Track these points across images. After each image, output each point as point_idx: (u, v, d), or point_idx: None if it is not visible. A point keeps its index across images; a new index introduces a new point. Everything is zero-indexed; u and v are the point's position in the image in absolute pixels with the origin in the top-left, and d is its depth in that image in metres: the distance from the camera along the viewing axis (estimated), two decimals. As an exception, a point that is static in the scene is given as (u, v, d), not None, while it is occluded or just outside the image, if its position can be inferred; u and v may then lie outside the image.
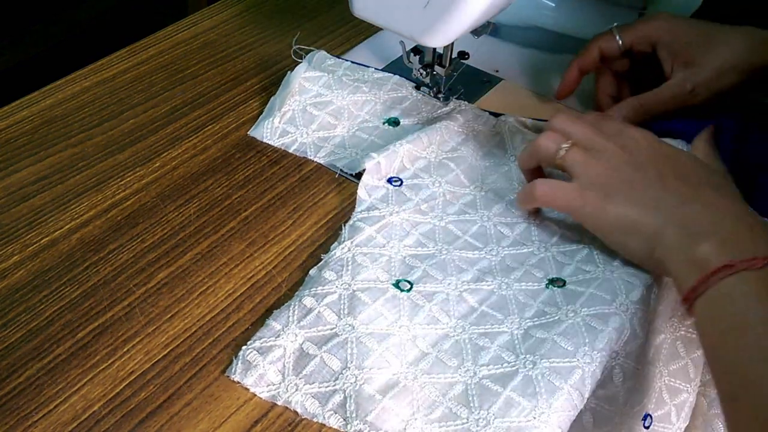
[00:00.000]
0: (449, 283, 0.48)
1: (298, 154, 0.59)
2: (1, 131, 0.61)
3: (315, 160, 0.58)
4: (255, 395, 0.42)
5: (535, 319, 0.46)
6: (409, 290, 0.47)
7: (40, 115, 0.63)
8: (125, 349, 0.45)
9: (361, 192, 0.54)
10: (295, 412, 0.42)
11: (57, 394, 0.42)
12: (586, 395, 0.41)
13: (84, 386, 0.43)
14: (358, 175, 0.56)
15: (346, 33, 0.74)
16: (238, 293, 0.48)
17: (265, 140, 0.60)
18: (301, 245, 0.51)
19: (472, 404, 0.41)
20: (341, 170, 0.57)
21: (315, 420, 0.42)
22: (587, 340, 0.43)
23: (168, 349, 0.45)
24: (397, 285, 0.48)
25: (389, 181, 0.55)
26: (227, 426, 0.41)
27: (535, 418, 0.40)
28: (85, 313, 0.47)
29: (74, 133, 0.61)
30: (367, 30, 0.73)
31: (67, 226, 0.53)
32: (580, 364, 0.42)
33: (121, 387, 0.43)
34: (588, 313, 0.45)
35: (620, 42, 0.59)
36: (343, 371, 0.43)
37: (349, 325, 0.45)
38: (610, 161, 0.47)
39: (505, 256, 0.50)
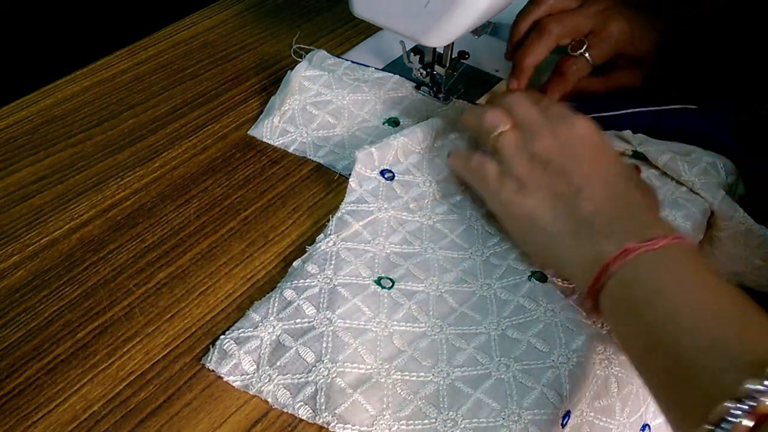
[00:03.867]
0: (431, 283, 0.48)
1: (297, 154, 0.59)
2: (1, 131, 0.61)
3: (315, 159, 0.58)
4: (255, 396, 0.42)
5: (513, 318, 0.46)
6: (390, 288, 0.47)
7: (40, 114, 0.63)
8: (125, 349, 0.45)
9: (353, 182, 0.54)
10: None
11: (57, 394, 0.42)
12: (566, 394, 0.41)
13: (84, 386, 0.43)
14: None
15: (346, 33, 0.74)
16: (238, 293, 0.48)
17: (264, 140, 0.60)
18: (301, 245, 0.51)
19: (441, 405, 0.41)
20: (340, 174, 0.57)
21: (285, 410, 0.42)
22: (564, 341, 0.43)
23: (168, 349, 0.45)
24: (378, 282, 0.48)
25: (381, 173, 0.55)
26: (227, 426, 0.41)
27: (504, 418, 0.40)
28: (84, 313, 0.47)
29: (74, 133, 0.61)
30: (367, 30, 0.73)
31: (67, 226, 0.53)
32: (556, 364, 0.42)
33: (121, 387, 0.43)
34: (567, 316, 0.45)
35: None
36: (317, 364, 0.43)
37: (327, 319, 0.45)
38: (539, 152, 0.47)
39: (489, 256, 0.50)
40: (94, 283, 0.49)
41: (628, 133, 0.56)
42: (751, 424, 0.30)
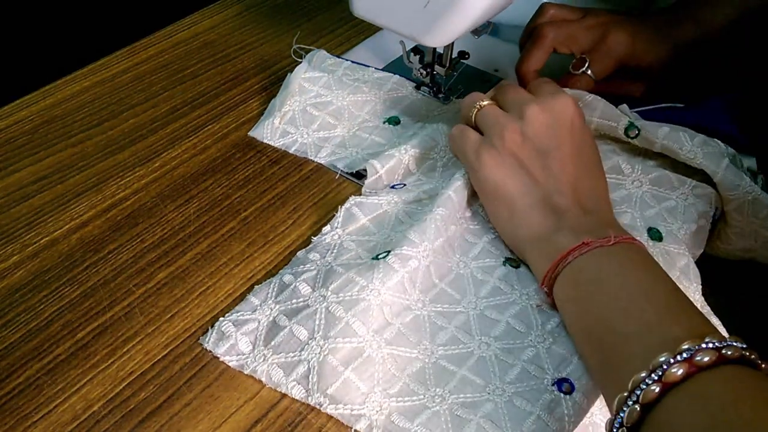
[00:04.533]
0: (424, 249, 0.48)
1: (298, 155, 0.59)
2: (1, 131, 0.61)
3: (315, 160, 0.58)
4: (255, 395, 0.42)
5: (490, 298, 0.47)
6: (386, 257, 0.47)
7: (39, 114, 0.63)
8: (125, 349, 0.45)
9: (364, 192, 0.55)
10: (295, 413, 0.42)
11: (57, 394, 0.42)
12: (547, 368, 0.42)
13: (84, 386, 0.43)
14: (358, 175, 0.56)
15: (346, 33, 0.74)
16: (238, 293, 0.48)
17: (265, 140, 0.60)
18: (301, 245, 0.51)
19: (428, 382, 0.42)
20: (342, 171, 0.57)
21: (278, 390, 0.42)
22: (540, 323, 0.45)
23: (168, 350, 0.45)
24: (376, 258, 0.48)
25: (392, 187, 0.55)
26: (227, 426, 0.41)
27: (489, 393, 0.41)
28: (84, 313, 0.47)
29: (74, 133, 0.61)
30: (367, 30, 0.73)
31: (67, 226, 0.53)
32: (534, 343, 0.44)
33: (121, 387, 0.43)
34: (541, 299, 0.46)
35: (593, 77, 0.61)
36: (309, 341, 0.43)
37: (321, 296, 0.45)
38: (519, 126, 0.48)
39: (464, 231, 0.51)
40: (94, 283, 0.49)
41: (624, 107, 0.56)
42: (657, 389, 0.34)
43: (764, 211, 0.51)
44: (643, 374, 0.35)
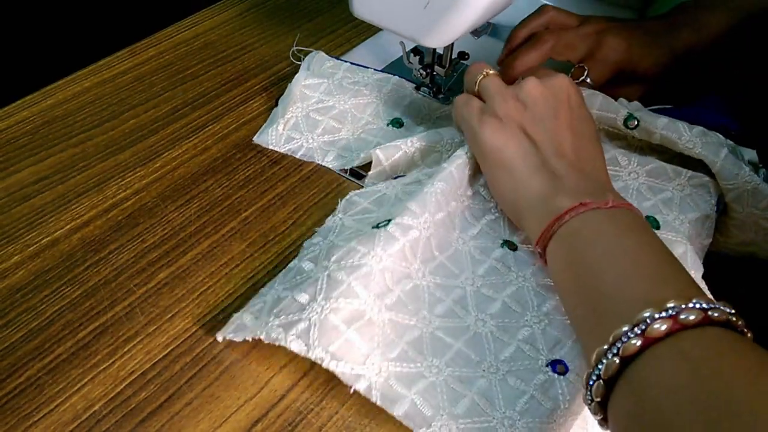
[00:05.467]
0: (425, 220, 0.48)
1: (305, 159, 0.59)
2: (2, 131, 0.61)
3: (324, 164, 0.58)
4: (255, 395, 0.43)
5: (487, 277, 0.48)
6: (386, 225, 0.47)
7: (40, 115, 0.63)
8: (126, 349, 0.45)
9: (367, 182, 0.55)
10: (296, 412, 0.42)
11: (57, 393, 0.43)
12: (542, 348, 0.43)
13: (85, 386, 0.43)
14: (358, 175, 0.57)
15: (346, 33, 0.74)
16: (239, 293, 0.48)
17: (270, 147, 0.60)
18: (301, 246, 0.51)
19: (425, 351, 0.43)
20: (344, 171, 0.57)
21: (277, 344, 0.42)
22: (536, 304, 0.46)
23: (168, 349, 0.45)
24: (377, 226, 0.48)
25: (394, 177, 0.55)
26: (228, 425, 0.41)
27: (483, 370, 0.42)
28: (85, 313, 0.47)
29: (75, 134, 0.61)
30: (367, 30, 0.73)
31: (68, 226, 0.53)
32: (530, 323, 0.45)
33: (122, 387, 0.43)
34: (537, 281, 0.47)
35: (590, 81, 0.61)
36: (311, 303, 0.43)
37: (323, 267, 0.45)
38: (521, 95, 0.50)
39: (465, 209, 0.51)
40: (95, 283, 0.49)
41: (623, 99, 0.56)
42: (638, 343, 0.34)
43: (764, 201, 0.51)
44: (625, 328, 0.35)
